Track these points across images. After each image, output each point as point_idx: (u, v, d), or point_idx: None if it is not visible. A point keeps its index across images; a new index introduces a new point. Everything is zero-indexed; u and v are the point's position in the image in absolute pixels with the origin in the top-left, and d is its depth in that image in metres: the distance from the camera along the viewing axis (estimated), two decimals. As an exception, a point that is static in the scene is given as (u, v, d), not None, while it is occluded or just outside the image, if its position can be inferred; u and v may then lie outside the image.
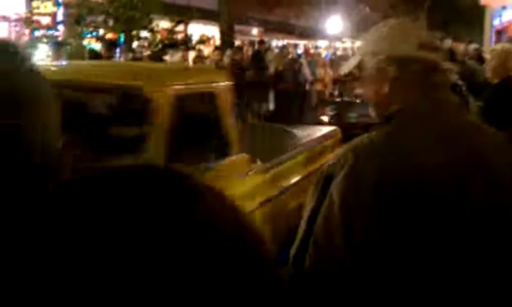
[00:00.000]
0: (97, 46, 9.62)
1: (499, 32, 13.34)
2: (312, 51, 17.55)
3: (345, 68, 1.73)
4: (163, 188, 0.51)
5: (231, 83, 3.84)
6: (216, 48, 12.57)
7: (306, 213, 1.42)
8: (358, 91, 10.41)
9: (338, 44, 26.42)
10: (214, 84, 3.65)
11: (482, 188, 1.37)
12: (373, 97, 1.54)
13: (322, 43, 25.69)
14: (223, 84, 3.76)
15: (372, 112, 1.58)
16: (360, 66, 1.58)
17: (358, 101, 10.83)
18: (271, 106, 13.15)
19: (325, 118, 10.59)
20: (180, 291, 0.46)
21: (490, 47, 8.91)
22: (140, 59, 9.20)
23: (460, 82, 4.79)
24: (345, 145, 1.46)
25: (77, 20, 10.88)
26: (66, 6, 11.92)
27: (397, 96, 1.47)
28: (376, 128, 1.49)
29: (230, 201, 0.55)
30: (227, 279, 0.48)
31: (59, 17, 12.25)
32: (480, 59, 7.66)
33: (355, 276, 1.31)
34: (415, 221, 1.32)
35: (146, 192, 0.50)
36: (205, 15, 16.81)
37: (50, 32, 11.18)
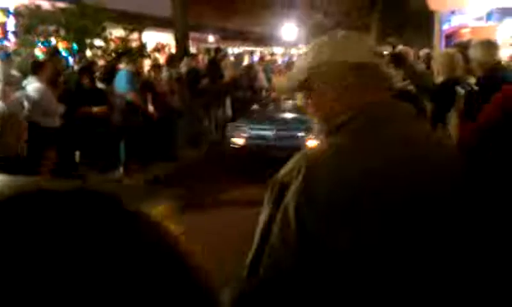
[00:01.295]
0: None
1: (448, 37, 13.65)
2: (268, 58, 17.65)
3: (291, 86, 1.64)
4: (102, 213, 0.50)
5: None
6: (171, 57, 12.50)
7: (261, 221, 1.41)
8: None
9: (293, 50, 26.64)
10: None
11: (442, 195, 1.40)
12: (324, 109, 1.52)
13: (278, 50, 25.86)
14: None
15: (319, 125, 1.56)
16: (309, 79, 1.55)
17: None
18: (229, 112, 13.18)
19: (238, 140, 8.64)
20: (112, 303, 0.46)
21: (438, 51, 9.13)
22: (93, 71, 9.05)
23: (411, 87, 4.90)
24: (299, 153, 1.44)
25: (27, 30, 10.66)
26: (17, 15, 11.66)
27: (352, 103, 1.47)
28: (330, 137, 1.48)
29: (159, 223, 0.55)
30: (159, 291, 0.48)
31: (10, 27, 11.97)
32: (429, 63, 7.84)
33: (312, 284, 1.32)
34: (375, 231, 1.32)
35: (82, 214, 0.49)
36: (160, 23, 16.70)
37: (-1, 42, 10.92)
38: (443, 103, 4.53)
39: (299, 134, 7.99)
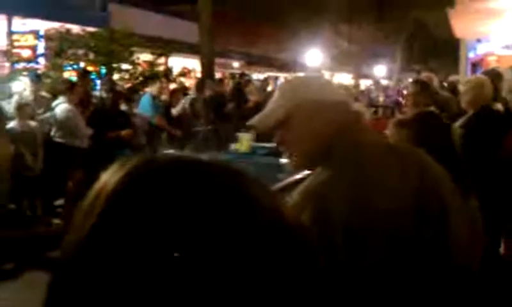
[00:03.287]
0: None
1: (474, 65, 13.61)
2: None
3: (270, 122, 1.71)
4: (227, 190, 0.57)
5: None
6: (200, 82, 12.64)
7: None
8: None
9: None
10: None
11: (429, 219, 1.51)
12: (303, 143, 1.64)
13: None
14: None
15: (298, 161, 1.69)
16: (289, 117, 1.65)
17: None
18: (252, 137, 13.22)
19: None
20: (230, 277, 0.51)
21: (465, 78, 9.10)
22: (119, 92, 9.20)
23: (436, 111, 4.90)
24: (299, 188, 1.54)
25: (57, 53, 10.88)
26: (48, 38, 11.94)
27: (329, 136, 1.59)
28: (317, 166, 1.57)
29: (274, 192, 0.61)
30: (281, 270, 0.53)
31: (40, 50, 12.26)
32: (454, 90, 7.81)
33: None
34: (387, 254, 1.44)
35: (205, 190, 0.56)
36: (187, 48, 16.93)
37: (30, 64, 11.16)
38: (474, 133, 4.59)
39: None
